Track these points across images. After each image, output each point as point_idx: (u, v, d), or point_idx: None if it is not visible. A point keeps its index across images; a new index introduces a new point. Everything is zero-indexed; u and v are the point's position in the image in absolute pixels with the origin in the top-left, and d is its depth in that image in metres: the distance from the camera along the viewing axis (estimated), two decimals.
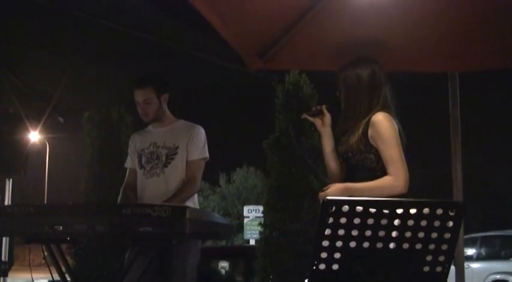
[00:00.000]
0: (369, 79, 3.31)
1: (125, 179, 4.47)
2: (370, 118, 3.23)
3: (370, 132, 3.21)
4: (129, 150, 4.49)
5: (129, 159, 4.49)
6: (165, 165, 4.21)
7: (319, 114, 3.47)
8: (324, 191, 3.14)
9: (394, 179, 3.10)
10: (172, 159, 4.22)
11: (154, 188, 4.20)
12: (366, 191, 3.10)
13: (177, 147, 4.23)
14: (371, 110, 3.27)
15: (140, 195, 4.27)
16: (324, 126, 3.47)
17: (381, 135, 3.17)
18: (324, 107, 3.47)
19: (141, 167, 4.29)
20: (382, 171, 3.15)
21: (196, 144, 4.26)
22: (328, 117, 3.46)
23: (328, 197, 2.58)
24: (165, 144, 4.26)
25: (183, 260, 4.05)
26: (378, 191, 3.09)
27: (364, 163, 3.22)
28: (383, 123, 3.18)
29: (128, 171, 4.49)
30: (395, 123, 3.23)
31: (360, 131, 3.24)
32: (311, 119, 3.48)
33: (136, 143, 4.41)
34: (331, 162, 3.48)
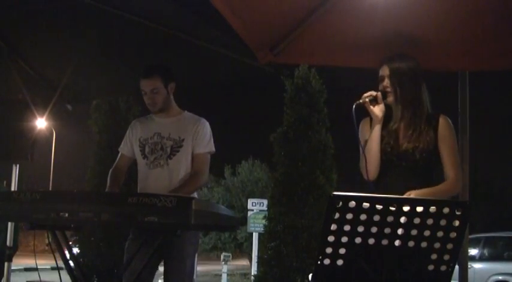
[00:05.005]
0: (417, 75, 3.44)
1: (115, 162, 4.42)
2: (437, 121, 3.39)
3: (439, 135, 3.37)
4: (128, 136, 4.41)
5: (124, 144, 4.41)
6: (170, 157, 4.18)
7: (375, 101, 3.42)
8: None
9: (456, 184, 3.32)
10: (178, 151, 4.19)
11: (157, 179, 4.17)
12: (436, 196, 3.18)
13: (183, 140, 4.21)
14: (426, 109, 3.42)
15: (142, 186, 4.24)
16: (381, 113, 3.41)
17: (448, 141, 3.38)
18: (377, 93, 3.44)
19: (144, 157, 4.25)
20: (433, 172, 3.36)
21: (203, 137, 4.24)
22: (383, 105, 3.43)
23: (335, 193, 2.58)
24: (170, 135, 4.23)
25: (182, 250, 4.05)
26: (444, 194, 3.26)
27: (428, 163, 3.34)
28: (451, 130, 3.41)
29: (119, 155, 4.43)
30: None
31: (431, 132, 3.37)
32: (371, 106, 3.40)
33: (138, 130, 4.36)
34: (375, 149, 3.39)
